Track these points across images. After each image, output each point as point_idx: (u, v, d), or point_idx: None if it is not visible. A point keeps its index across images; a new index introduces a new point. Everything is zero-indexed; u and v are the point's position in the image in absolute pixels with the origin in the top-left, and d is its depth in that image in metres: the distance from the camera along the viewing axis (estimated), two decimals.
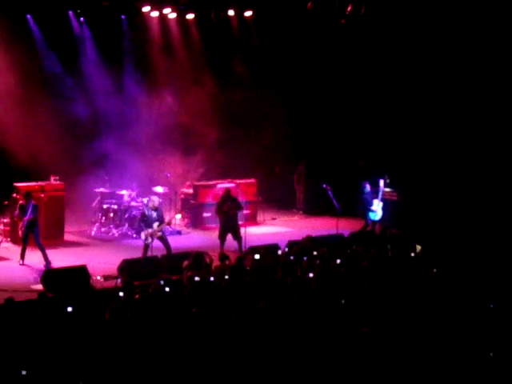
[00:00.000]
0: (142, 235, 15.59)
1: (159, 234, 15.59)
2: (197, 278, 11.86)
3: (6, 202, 17.35)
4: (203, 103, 21.22)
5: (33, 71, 19.67)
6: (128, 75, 21.47)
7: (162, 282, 11.72)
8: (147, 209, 15.85)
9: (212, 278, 11.97)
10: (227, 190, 17.44)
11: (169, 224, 16.33)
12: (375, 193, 18.22)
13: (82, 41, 20.68)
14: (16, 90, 18.97)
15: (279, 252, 14.58)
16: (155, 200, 15.83)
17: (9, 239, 17.28)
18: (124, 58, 21.46)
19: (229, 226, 16.80)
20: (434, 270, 12.21)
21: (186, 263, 13.28)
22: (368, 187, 18.21)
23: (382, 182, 18.22)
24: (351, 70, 21.55)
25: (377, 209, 18.17)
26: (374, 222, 18.28)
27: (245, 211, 19.30)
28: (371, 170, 19.66)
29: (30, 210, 15.41)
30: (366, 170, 20.20)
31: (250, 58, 22.35)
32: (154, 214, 15.62)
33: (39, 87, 19.73)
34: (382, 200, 18.27)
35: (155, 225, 15.50)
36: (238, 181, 20.31)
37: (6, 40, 18.79)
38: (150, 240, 15.45)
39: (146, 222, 15.56)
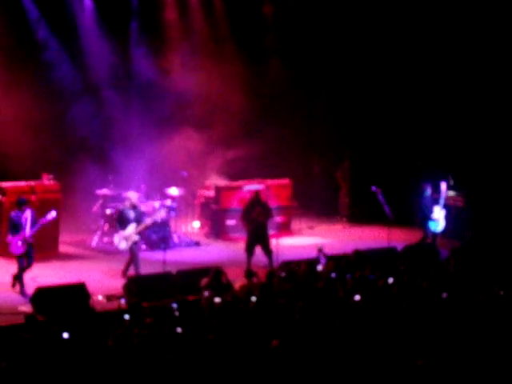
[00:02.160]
0: (116, 239, 15.89)
1: (136, 238, 15.83)
2: (217, 300, 11.92)
3: None
4: (225, 82, 21.28)
5: (15, 40, 19.69)
6: (135, 45, 21.60)
7: (175, 306, 11.77)
8: (124, 207, 16.11)
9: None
10: (256, 193, 17.51)
11: (146, 228, 16.58)
12: (436, 198, 18.08)
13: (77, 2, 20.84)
14: None
15: (319, 268, 14.60)
16: (132, 196, 16.16)
17: None
18: (131, 25, 21.60)
19: (258, 236, 16.87)
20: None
21: (204, 281, 13.35)
22: (429, 190, 18.07)
23: (444, 185, 18.09)
24: (405, 52, 21.56)
25: (439, 217, 18.05)
26: (435, 234, 18.17)
27: (277, 218, 19.35)
28: (431, 170, 19.56)
29: (29, 222, 14.83)
30: (425, 170, 20.11)
31: (285, 30, 22.44)
32: (132, 214, 15.90)
33: (22, 59, 19.77)
34: (445, 207, 18.16)
35: (132, 226, 15.78)
36: (268, 181, 20.35)
37: None
38: (124, 244, 15.76)
39: (121, 222, 15.84)
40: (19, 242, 14.75)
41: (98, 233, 18.97)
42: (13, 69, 19.39)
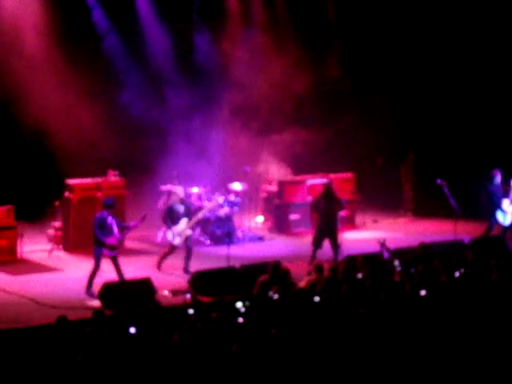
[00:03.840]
0: (169, 234, 16.09)
1: (188, 232, 16.03)
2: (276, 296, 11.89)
3: (58, 203, 17.78)
4: (287, 76, 21.23)
5: (76, 33, 19.89)
6: (197, 31, 21.61)
7: (239, 305, 11.69)
8: (173, 203, 16.26)
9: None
10: (326, 185, 17.35)
11: (198, 222, 16.74)
12: (506, 190, 17.76)
13: None
14: (53, 53, 19.24)
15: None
16: (179, 191, 16.40)
17: (60, 246, 17.73)
18: (192, 10, 21.64)
19: (326, 229, 16.78)
20: None
21: (263, 278, 13.25)
22: (499, 177, 17.72)
23: None
24: (466, 45, 21.32)
25: (507, 210, 17.71)
26: (504, 228, 17.83)
27: (340, 212, 19.22)
28: (497, 164, 19.23)
29: (116, 226, 14.57)
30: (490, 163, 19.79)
31: (347, 17, 22.39)
32: (181, 209, 16.02)
33: (81, 52, 19.90)
34: None
35: (183, 221, 15.94)
36: (331, 175, 20.24)
37: None
38: (178, 240, 15.94)
39: (172, 218, 15.98)
40: (111, 244, 14.60)
41: (163, 228, 19.07)
42: (72, 62, 19.53)
